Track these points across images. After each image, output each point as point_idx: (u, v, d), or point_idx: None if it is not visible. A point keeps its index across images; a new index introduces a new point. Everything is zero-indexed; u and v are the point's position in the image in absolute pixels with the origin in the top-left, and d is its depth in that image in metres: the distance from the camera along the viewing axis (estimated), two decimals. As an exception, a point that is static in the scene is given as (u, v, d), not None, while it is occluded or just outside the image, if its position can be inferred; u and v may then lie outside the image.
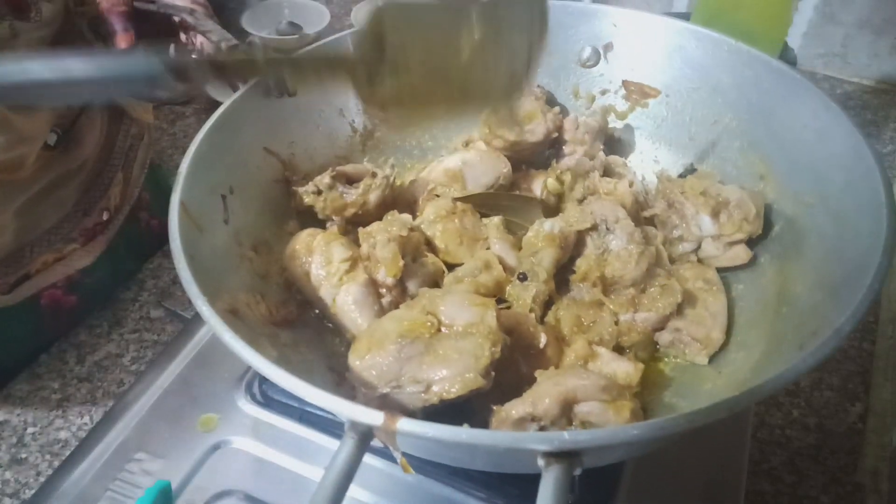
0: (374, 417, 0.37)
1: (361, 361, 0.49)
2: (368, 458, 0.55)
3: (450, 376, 0.47)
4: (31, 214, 0.66)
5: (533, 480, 0.50)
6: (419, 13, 0.42)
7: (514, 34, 0.44)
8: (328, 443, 0.56)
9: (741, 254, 0.60)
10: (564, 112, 0.73)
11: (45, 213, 0.68)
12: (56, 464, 0.58)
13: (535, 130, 0.67)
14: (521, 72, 0.45)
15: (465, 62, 0.43)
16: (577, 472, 0.37)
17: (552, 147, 0.71)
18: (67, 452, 0.57)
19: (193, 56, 0.39)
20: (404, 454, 0.42)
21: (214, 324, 0.41)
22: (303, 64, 0.43)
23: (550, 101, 0.73)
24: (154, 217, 0.83)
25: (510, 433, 0.42)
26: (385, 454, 0.55)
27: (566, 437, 0.36)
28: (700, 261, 0.62)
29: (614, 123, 0.73)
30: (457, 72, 0.44)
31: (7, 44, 0.56)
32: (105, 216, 0.73)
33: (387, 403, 0.47)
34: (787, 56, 1.14)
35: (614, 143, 0.73)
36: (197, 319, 0.66)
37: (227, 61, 0.40)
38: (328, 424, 0.57)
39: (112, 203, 0.74)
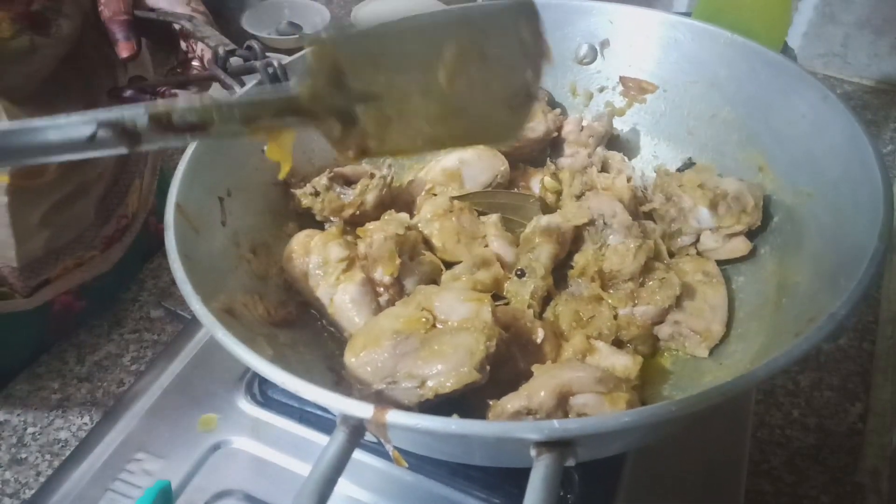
0: (364, 410, 0.37)
1: (357, 358, 0.49)
2: (367, 457, 0.55)
3: (444, 371, 0.47)
4: (56, 223, 0.67)
5: (533, 478, 0.50)
6: (382, 44, 0.35)
7: (503, 50, 0.37)
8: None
9: (741, 246, 0.59)
10: (565, 113, 0.73)
11: (69, 222, 0.69)
12: (56, 464, 0.58)
13: (536, 128, 0.67)
14: (522, 91, 0.38)
15: (448, 92, 0.36)
16: (571, 462, 0.36)
17: (552, 147, 0.71)
18: (67, 452, 0.57)
19: (129, 110, 0.34)
20: (397, 448, 0.42)
21: (207, 321, 0.42)
22: (256, 114, 0.35)
23: (551, 103, 0.73)
24: (161, 222, 0.84)
25: (499, 423, 0.42)
26: (383, 452, 0.55)
27: (556, 426, 0.35)
28: (699, 254, 0.61)
29: (615, 122, 0.73)
30: (441, 103, 0.36)
31: (25, 58, 0.57)
32: (123, 223, 0.75)
33: (382, 399, 0.47)
34: (787, 56, 1.13)
35: (612, 139, 0.73)
36: (197, 320, 0.66)
37: (173, 117, 0.34)
38: (328, 424, 0.57)
39: (129, 210, 0.76)
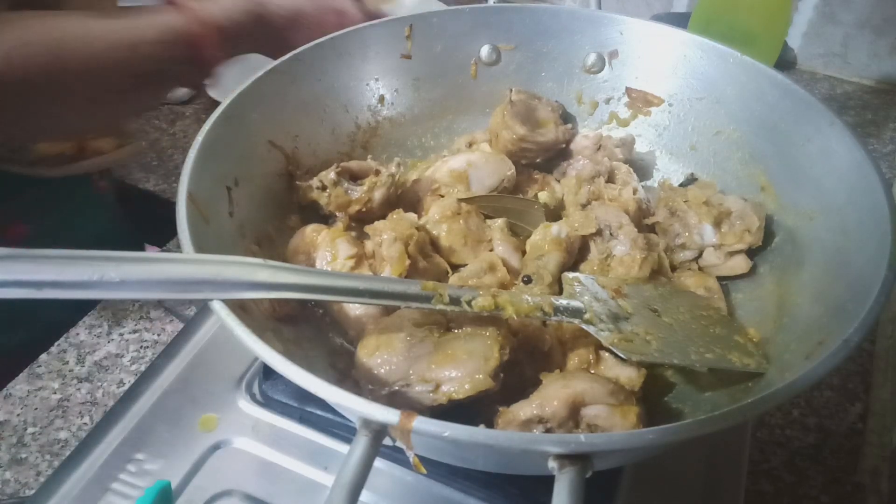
0: (389, 415, 0.36)
1: (370, 359, 0.48)
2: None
3: (459, 377, 0.46)
4: None
5: (534, 480, 0.51)
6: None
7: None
8: (328, 443, 0.56)
9: (741, 263, 0.60)
10: (576, 128, 0.74)
11: None
12: (56, 464, 0.57)
13: (545, 135, 0.68)
14: None
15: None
16: (588, 474, 0.37)
17: (563, 159, 0.72)
18: (67, 452, 0.56)
19: None
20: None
21: (226, 317, 0.40)
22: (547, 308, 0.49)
23: (564, 116, 0.74)
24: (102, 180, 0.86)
25: (526, 435, 0.42)
26: (383, 453, 0.54)
27: (582, 440, 0.35)
28: (701, 269, 0.63)
29: (618, 132, 0.74)
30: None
31: None
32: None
33: (394, 402, 0.47)
34: (787, 56, 1.15)
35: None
36: (197, 319, 0.65)
37: None
38: (328, 424, 0.56)
39: None
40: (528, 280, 0.58)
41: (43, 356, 0.68)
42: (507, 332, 0.50)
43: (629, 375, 0.53)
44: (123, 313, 0.72)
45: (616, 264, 0.59)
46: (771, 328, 0.55)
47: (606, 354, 0.54)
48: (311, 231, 0.58)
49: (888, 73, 1.13)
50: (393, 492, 0.54)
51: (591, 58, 0.73)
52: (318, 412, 0.56)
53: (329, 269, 0.56)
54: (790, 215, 0.59)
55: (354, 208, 0.62)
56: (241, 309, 0.46)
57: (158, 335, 0.70)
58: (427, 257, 0.60)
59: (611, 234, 0.61)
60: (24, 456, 0.58)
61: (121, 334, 0.70)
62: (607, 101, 0.74)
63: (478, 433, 0.36)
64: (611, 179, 0.68)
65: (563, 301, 0.50)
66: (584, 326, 0.50)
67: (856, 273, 0.47)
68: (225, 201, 0.54)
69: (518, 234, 0.64)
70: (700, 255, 0.62)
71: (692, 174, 0.69)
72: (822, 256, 0.53)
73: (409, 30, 0.70)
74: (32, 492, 0.53)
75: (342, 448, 0.55)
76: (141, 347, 0.68)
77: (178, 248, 0.45)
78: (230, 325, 0.39)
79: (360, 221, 0.62)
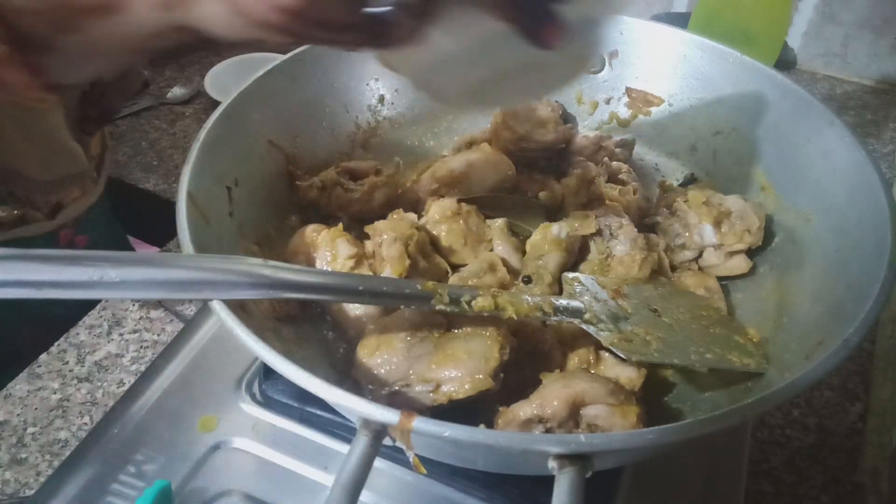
0: (389, 416, 0.36)
1: (370, 359, 0.48)
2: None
3: (459, 377, 0.46)
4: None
5: (534, 480, 0.51)
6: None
7: None
8: (328, 443, 0.56)
9: (741, 264, 0.60)
10: (576, 128, 0.74)
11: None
12: (56, 464, 0.57)
13: (546, 135, 0.68)
14: None
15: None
16: (588, 475, 0.37)
17: (563, 159, 0.72)
18: (67, 452, 0.56)
19: None
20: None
21: (226, 317, 0.40)
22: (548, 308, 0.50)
23: (564, 117, 0.74)
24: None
25: (526, 435, 0.43)
26: (383, 453, 0.54)
27: (582, 440, 0.36)
28: (700, 269, 0.63)
29: (619, 132, 0.74)
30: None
31: None
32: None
33: (394, 402, 0.47)
34: (787, 56, 1.15)
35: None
36: (197, 319, 0.65)
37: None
38: (328, 424, 0.56)
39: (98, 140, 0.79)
40: (528, 280, 0.59)
41: (43, 356, 0.68)
42: (507, 332, 0.50)
43: (629, 375, 0.53)
44: (123, 313, 0.72)
45: (616, 264, 0.59)
46: (771, 328, 0.55)
47: (606, 354, 0.54)
48: (311, 231, 0.58)
49: (888, 73, 1.13)
50: (393, 492, 0.54)
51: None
52: (318, 412, 0.56)
53: (329, 269, 0.56)
54: (790, 215, 0.59)
55: (354, 208, 0.62)
56: (241, 309, 0.46)
57: (158, 335, 0.70)
58: (427, 257, 0.60)
59: (611, 234, 0.61)
60: (24, 456, 0.58)
61: (121, 334, 0.70)
62: (607, 101, 0.74)
63: (478, 433, 0.36)
64: (611, 179, 0.67)
65: (563, 301, 0.51)
66: (584, 326, 0.50)
67: (856, 273, 0.47)
68: (225, 201, 0.54)
69: (518, 234, 0.64)
70: (700, 255, 0.62)
71: (692, 174, 0.70)
72: (821, 256, 0.53)
73: (409, 30, 0.70)
74: (32, 492, 0.53)
75: (342, 448, 0.55)
76: (141, 347, 0.68)
77: (178, 248, 0.45)
78: (230, 325, 0.39)
79: (360, 221, 0.62)
